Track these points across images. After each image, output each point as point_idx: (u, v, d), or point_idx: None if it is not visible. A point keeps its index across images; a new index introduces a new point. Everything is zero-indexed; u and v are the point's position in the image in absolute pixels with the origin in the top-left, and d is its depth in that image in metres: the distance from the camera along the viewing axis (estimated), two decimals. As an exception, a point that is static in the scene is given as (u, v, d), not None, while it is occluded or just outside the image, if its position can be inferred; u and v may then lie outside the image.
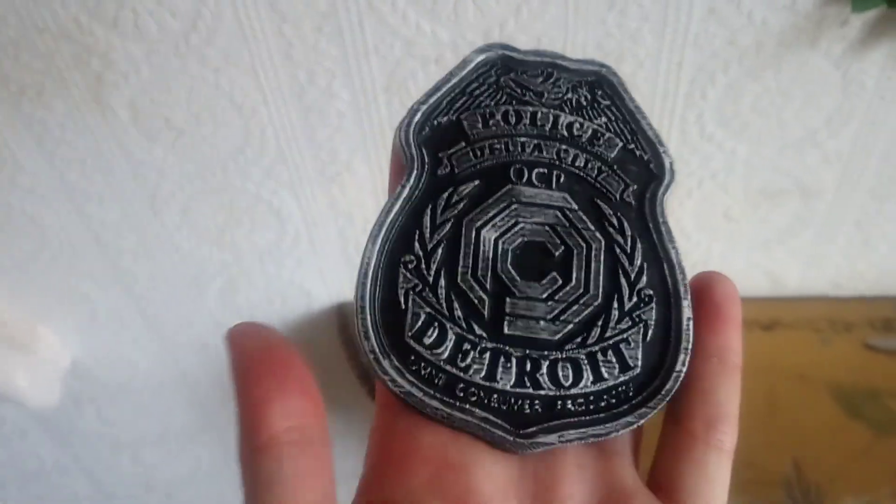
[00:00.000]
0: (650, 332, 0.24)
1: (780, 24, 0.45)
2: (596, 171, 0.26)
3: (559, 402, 0.23)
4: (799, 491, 0.55)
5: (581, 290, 0.24)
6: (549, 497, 0.23)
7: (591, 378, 0.23)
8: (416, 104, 0.26)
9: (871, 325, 0.61)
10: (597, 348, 0.24)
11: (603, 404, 0.23)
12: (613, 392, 0.23)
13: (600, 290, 0.24)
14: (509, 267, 0.24)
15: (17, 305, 0.70)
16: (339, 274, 0.66)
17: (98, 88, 0.52)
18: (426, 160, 0.25)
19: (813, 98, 0.49)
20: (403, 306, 0.23)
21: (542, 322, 0.24)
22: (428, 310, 0.23)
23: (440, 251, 0.24)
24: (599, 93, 0.27)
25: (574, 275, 0.24)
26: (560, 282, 0.24)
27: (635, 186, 0.26)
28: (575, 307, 0.24)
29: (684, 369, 0.23)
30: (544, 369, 0.23)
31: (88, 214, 0.61)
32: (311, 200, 0.60)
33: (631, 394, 0.23)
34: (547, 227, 0.25)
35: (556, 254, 0.25)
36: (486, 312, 0.24)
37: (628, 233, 0.25)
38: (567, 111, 0.26)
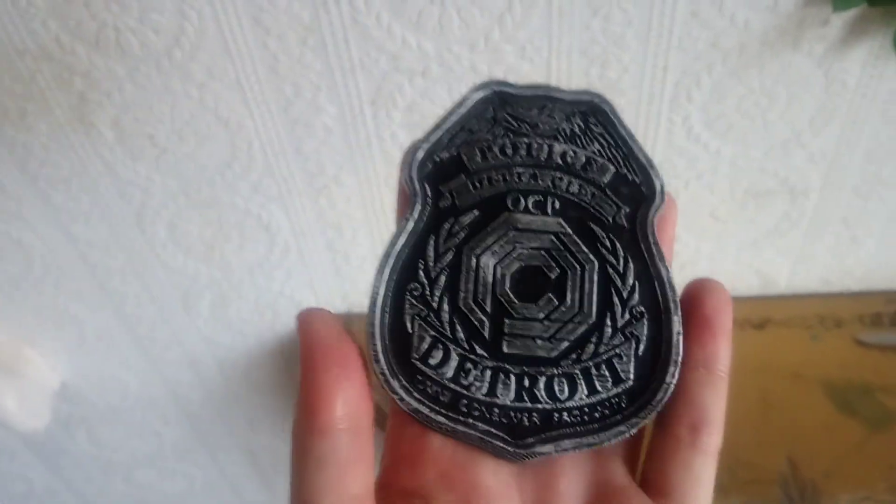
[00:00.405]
0: (642, 346, 0.26)
1: (763, 25, 0.46)
2: (590, 196, 0.27)
3: (555, 415, 0.25)
4: (795, 488, 0.55)
5: (575, 310, 0.26)
6: (548, 493, 0.25)
7: (585, 391, 0.25)
8: (419, 142, 0.27)
9: (861, 320, 0.61)
10: (591, 363, 0.25)
11: (597, 415, 0.25)
12: (607, 404, 0.25)
13: (594, 308, 0.26)
14: (507, 290, 0.26)
15: (4, 328, 0.70)
16: (329, 285, 0.66)
17: (82, 108, 0.52)
18: (428, 194, 0.27)
19: (796, 98, 0.49)
20: (410, 331, 0.25)
21: (538, 340, 0.26)
22: (433, 333, 0.25)
23: (443, 278, 0.26)
24: (592, 121, 0.28)
25: (568, 295, 0.26)
26: (556, 302, 0.26)
27: (627, 209, 0.27)
28: (570, 325, 0.26)
29: (674, 381, 0.25)
30: (541, 384, 0.25)
31: (75, 235, 0.61)
32: (300, 213, 0.59)
33: (623, 405, 0.25)
34: (543, 252, 0.26)
35: (552, 276, 0.26)
36: (486, 333, 0.26)
37: (621, 253, 0.26)
38: (561, 140, 0.28)
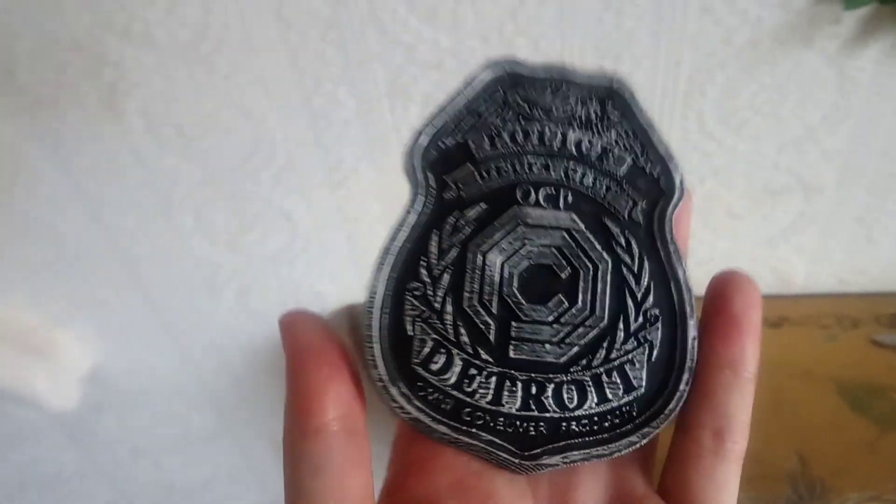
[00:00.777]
0: (655, 352, 0.24)
1: (775, 22, 0.46)
2: (604, 190, 0.25)
3: (564, 424, 0.24)
4: (804, 486, 0.55)
5: (587, 312, 0.25)
6: (564, 502, 0.24)
7: (595, 399, 0.24)
8: (422, 126, 0.26)
9: (878, 321, 0.61)
10: (602, 370, 0.24)
11: (607, 425, 0.24)
12: (618, 412, 0.24)
13: (606, 311, 0.25)
14: (515, 290, 0.24)
15: (37, 311, 0.72)
16: (349, 276, 0.67)
17: (111, 98, 0.54)
18: (432, 185, 0.25)
19: (809, 95, 0.50)
20: (410, 334, 0.24)
21: (547, 345, 0.24)
22: (434, 336, 0.24)
23: (446, 277, 0.24)
24: (610, 106, 0.26)
25: (580, 297, 0.25)
26: (566, 304, 0.25)
27: (644, 204, 0.25)
28: (580, 329, 0.24)
29: (688, 389, 0.24)
30: (549, 392, 0.24)
31: (105, 222, 0.63)
32: (320, 205, 0.61)
33: (635, 414, 0.24)
34: (553, 249, 0.25)
35: (563, 275, 0.25)
36: (491, 337, 0.24)
37: (636, 252, 0.25)
38: (576, 127, 0.26)
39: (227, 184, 0.60)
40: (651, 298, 0.25)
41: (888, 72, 0.49)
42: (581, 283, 0.25)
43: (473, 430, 0.23)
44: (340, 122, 0.54)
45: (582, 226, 0.25)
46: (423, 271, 0.24)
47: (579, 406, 0.24)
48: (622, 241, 0.25)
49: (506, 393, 0.24)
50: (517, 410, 0.24)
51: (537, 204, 0.25)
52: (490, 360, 0.24)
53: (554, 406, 0.24)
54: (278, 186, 0.60)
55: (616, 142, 0.26)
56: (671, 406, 0.24)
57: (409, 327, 0.24)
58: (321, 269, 0.67)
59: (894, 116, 0.51)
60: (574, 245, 0.25)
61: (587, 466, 0.24)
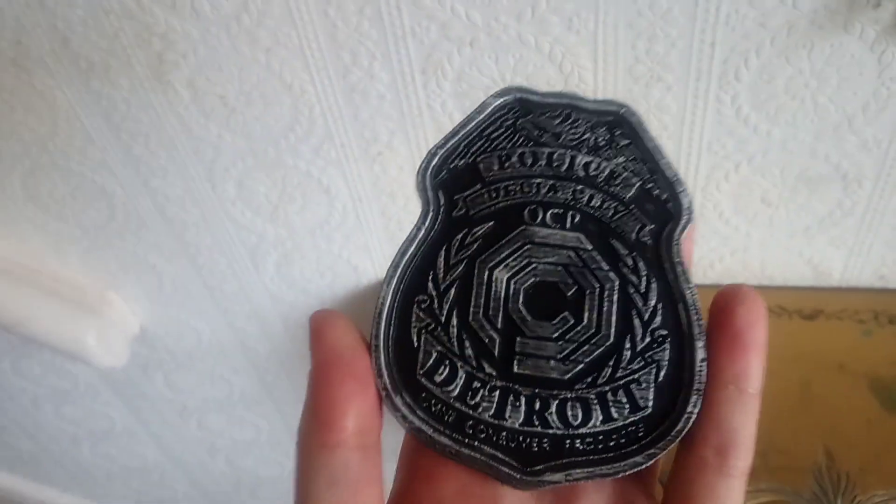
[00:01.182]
0: (662, 372, 0.24)
1: (812, 5, 0.45)
2: (612, 211, 0.26)
3: (567, 441, 0.24)
4: (829, 480, 0.54)
5: (593, 330, 0.25)
6: None
7: (600, 418, 0.24)
8: (434, 148, 0.26)
9: (918, 318, 0.60)
10: (607, 388, 0.24)
11: (612, 444, 0.24)
12: (623, 432, 0.24)
13: (612, 329, 0.25)
14: (520, 306, 0.25)
15: (90, 271, 0.76)
16: (384, 251, 0.68)
17: (159, 67, 0.56)
18: (442, 203, 0.26)
19: (848, 82, 0.49)
20: (416, 344, 0.24)
21: (552, 361, 0.24)
22: (439, 348, 0.24)
23: (453, 291, 0.25)
24: (618, 132, 0.27)
25: (586, 314, 0.25)
26: (571, 321, 0.25)
27: (652, 226, 0.26)
28: (586, 347, 0.24)
29: (696, 411, 0.24)
30: (553, 408, 0.24)
31: (153, 187, 0.66)
32: (357, 179, 0.62)
33: (640, 434, 0.24)
34: (560, 268, 0.25)
35: (569, 294, 0.25)
36: (496, 351, 0.24)
37: (643, 273, 0.25)
38: (584, 151, 0.27)
39: (269, 154, 0.62)
40: (658, 319, 0.25)
41: (932, 59, 0.47)
42: (587, 302, 0.25)
43: (476, 444, 0.24)
44: (375, 97, 0.55)
45: (589, 245, 0.25)
46: (431, 284, 0.25)
47: (583, 424, 0.24)
48: (629, 261, 0.25)
49: (509, 407, 0.24)
50: (520, 425, 0.24)
51: (545, 223, 0.25)
52: (494, 373, 0.24)
53: (557, 422, 0.24)
54: (317, 159, 0.61)
55: (624, 166, 0.26)
56: (678, 428, 0.24)
57: (414, 338, 0.24)
58: (357, 243, 0.68)
59: (937, 105, 0.49)
60: (580, 264, 0.25)
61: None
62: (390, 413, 0.24)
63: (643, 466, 0.24)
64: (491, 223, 0.25)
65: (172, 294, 0.77)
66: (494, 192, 0.26)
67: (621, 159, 0.27)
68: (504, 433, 0.24)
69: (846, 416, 0.57)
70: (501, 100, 0.27)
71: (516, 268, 0.25)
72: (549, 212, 0.25)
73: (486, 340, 0.24)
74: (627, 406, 0.24)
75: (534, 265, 0.25)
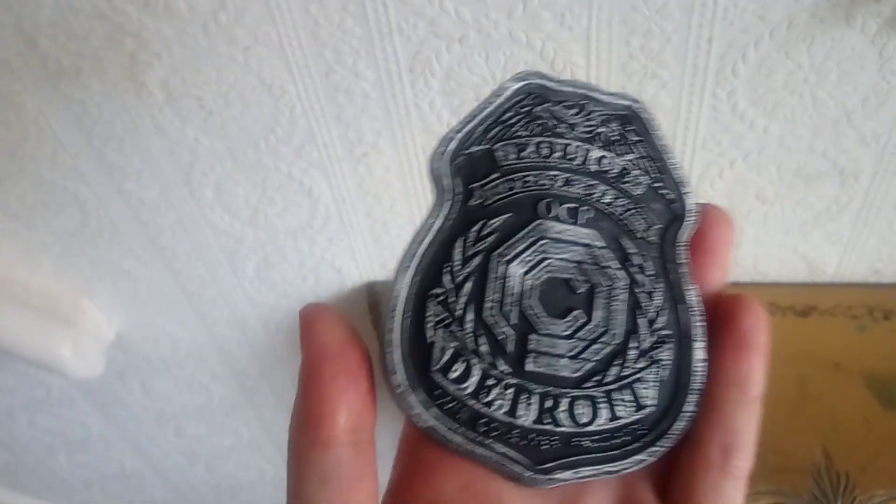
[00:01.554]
0: (665, 372, 0.25)
1: (813, -1, 0.44)
2: (622, 209, 0.26)
3: (575, 440, 0.24)
4: (828, 480, 0.54)
5: (602, 329, 0.25)
6: None
7: (607, 416, 0.24)
8: (451, 132, 0.26)
9: (912, 312, 0.59)
10: (614, 387, 0.24)
11: (617, 442, 0.24)
12: (627, 430, 0.24)
13: (620, 328, 0.25)
14: (534, 303, 0.25)
15: (62, 279, 0.73)
16: (369, 253, 0.66)
17: (133, 68, 0.54)
18: (458, 191, 0.25)
19: (848, 76, 0.47)
20: (431, 340, 0.24)
21: (563, 359, 0.24)
22: (455, 344, 0.24)
23: (468, 285, 0.24)
24: (630, 128, 0.27)
25: (596, 313, 0.25)
26: (582, 320, 0.25)
27: (658, 225, 0.26)
28: (595, 345, 0.24)
29: (695, 410, 0.24)
30: (563, 407, 0.24)
31: (127, 192, 0.63)
32: (341, 180, 0.60)
33: (643, 432, 0.24)
34: (573, 264, 0.25)
35: (580, 291, 0.25)
36: (509, 348, 0.24)
37: (649, 272, 0.25)
38: (598, 145, 0.27)
39: (248, 157, 0.59)
40: (662, 319, 0.25)
41: (933, 53, 0.46)
42: (597, 300, 0.25)
43: (488, 442, 0.23)
44: (360, 96, 0.53)
45: (600, 243, 0.25)
46: (447, 277, 0.24)
47: (592, 422, 0.24)
48: (637, 260, 0.25)
49: (521, 405, 0.24)
50: (531, 424, 0.24)
51: (559, 218, 0.25)
52: (508, 371, 0.24)
53: (567, 421, 0.24)
54: (299, 161, 0.59)
55: (634, 163, 0.27)
56: (679, 426, 0.24)
57: (429, 333, 0.24)
58: (341, 246, 0.66)
59: (938, 100, 0.49)
60: (592, 261, 0.25)
61: None
62: (404, 410, 0.23)
63: (646, 464, 0.24)
64: (507, 215, 0.25)
65: (148, 300, 0.75)
66: (511, 182, 0.25)
67: (632, 156, 0.27)
68: (516, 431, 0.24)
69: (843, 414, 0.57)
70: (520, 84, 0.27)
71: (531, 263, 0.25)
72: (564, 206, 0.25)
73: (501, 337, 0.24)
74: (632, 404, 0.24)
75: (548, 261, 0.25)
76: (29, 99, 0.56)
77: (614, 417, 0.24)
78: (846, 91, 0.48)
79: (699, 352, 0.25)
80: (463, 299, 0.24)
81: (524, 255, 0.25)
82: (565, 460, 0.23)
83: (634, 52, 0.48)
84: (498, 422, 0.23)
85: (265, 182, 0.61)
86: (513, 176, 0.26)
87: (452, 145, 0.26)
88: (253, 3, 0.49)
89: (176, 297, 0.74)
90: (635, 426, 0.24)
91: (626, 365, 0.24)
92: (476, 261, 0.24)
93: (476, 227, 0.25)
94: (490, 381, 0.24)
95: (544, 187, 0.25)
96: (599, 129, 0.27)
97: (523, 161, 0.26)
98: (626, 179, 0.26)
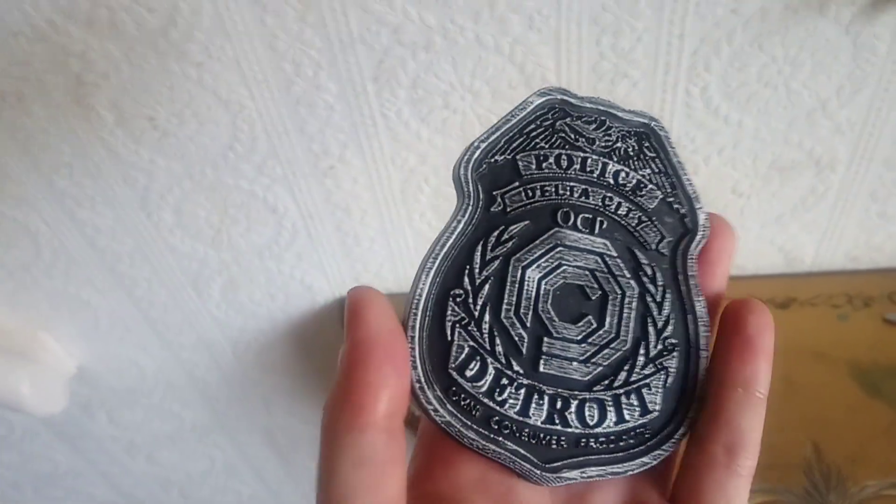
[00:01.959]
0: (670, 379, 0.25)
1: (785, -10, 0.43)
2: (636, 221, 0.27)
3: (583, 440, 0.25)
4: (819, 474, 0.53)
5: (612, 335, 0.26)
6: None
7: (614, 419, 0.25)
8: (477, 141, 0.27)
9: (891, 298, 0.59)
10: (622, 391, 0.25)
11: (622, 444, 0.25)
12: (633, 433, 0.25)
13: (630, 335, 0.26)
14: (549, 307, 0.25)
15: (18, 314, 0.70)
16: (340, 268, 0.64)
17: (78, 90, 0.51)
18: (481, 197, 0.26)
19: (822, 66, 0.47)
20: (449, 339, 0.25)
21: (574, 363, 0.25)
22: (472, 343, 0.25)
23: (487, 287, 0.25)
24: (646, 144, 0.28)
25: (608, 320, 0.26)
26: (594, 325, 0.26)
27: (670, 238, 0.27)
28: (606, 351, 0.25)
29: (696, 416, 0.25)
30: (573, 408, 0.25)
31: (81, 219, 0.60)
32: (307, 195, 0.58)
33: (648, 436, 0.25)
34: (587, 272, 0.26)
35: (593, 298, 0.26)
36: (524, 350, 0.25)
37: (660, 283, 0.26)
38: (615, 159, 0.28)
39: (208, 176, 0.57)
40: (670, 328, 0.26)
41: (906, 39, 0.46)
42: (609, 307, 0.26)
43: (500, 439, 0.24)
44: (323, 108, 0.51)
45: (614, 252, 0.26)
46: (467, 279, 0.25)
47: (599, 424, 0.25)
48: (649, 271, 0.26)
49: (533, 405, 0.25)
50: (542, 423, 0.25)
51: (575, 227, 0.26)
52: (521, 371, 0.25)
53: (576, 422, 0.25)
54: (262, 177, 0.57)
55: (649, 178, 0.28)
56: (681, 431, 0.25)
57: (448, 332, 0.25)
58: (310, 262, 0.64)
59: (912, 87, 0.48)
60: (606, 270, 0.26)
61: None
62: (420, 405, 0.24)
63: (650, 466, 0.25)
64: (526, 222, 0.26)
65: (110, 330, 0.72)
66: (531, 190, 0.27)
67: (647, 171, 0.28)
68: (527, 430, 0.24)
69: (829, 405, 0.56)
70: (543, 99, 0.28)
71: (548, 268, 0.26)
72: (580, 216, 0.26)
73: (516, 338, 0.25)
74: (638, 409, 0.25)
75: (563, 267, 0.26)
76: (-31, 128, 0.53)
77: (621, 421, 0.25)
78: (820, 81, 0.48)
79: (703, 361, 0.26)
80: (481, 301, 0.25)
81: (541, 261, 0.26)
82: (573, 460, 0.24)
83: (605, 51, 0.47)
84: (510, 420, 0.24)
85: (226, 201, 0.59)
86: (533, 185, 0.27)
87: (477, 154, 0.27)
88: (204, 18, 0.46)
89: (138, 324, 0.71)
90: (641, 430, 0.25)
91: (635, 371, 0.25)
92: (495, 264, 0.26)
93: (496, 233, 0.26)
94: (504, 381, 0.25)
95: (562, 197, 0.27)
96: (617, 145, 0.28)
97: (543, 171, 0.27)
98: (640, 193, 0.27)
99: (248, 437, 0.90)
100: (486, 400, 0.24)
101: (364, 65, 0.48)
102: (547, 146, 0.27)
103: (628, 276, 0.26)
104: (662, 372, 0.25)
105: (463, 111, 0.51)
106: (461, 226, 0.26)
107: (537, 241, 0.26)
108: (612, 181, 0.27)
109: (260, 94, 0.51)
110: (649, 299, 0.26)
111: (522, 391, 0.25)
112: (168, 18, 0.47)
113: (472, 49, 0.47)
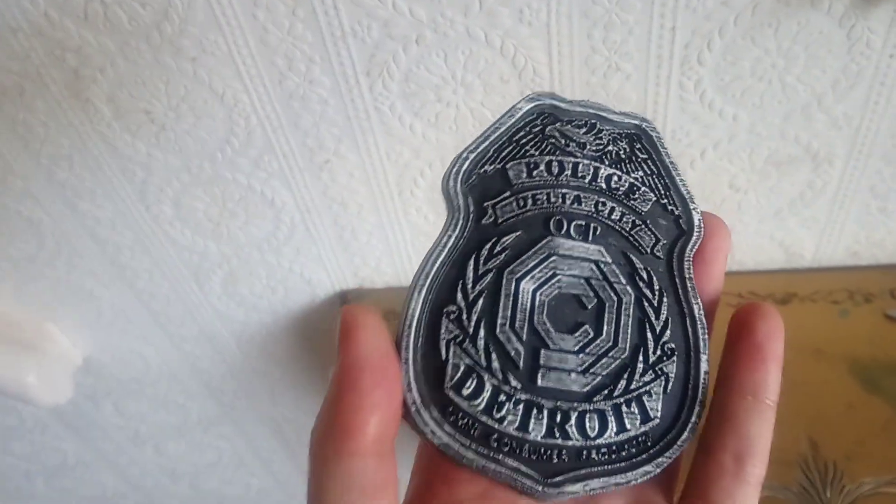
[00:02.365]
0: (671, 384, 0.25)
1: (777, -18, 0.43)
2: (630, 225, 0.26)
3: (585, 453, 0.24)
4: (816, 471, 0.53)
5: (610, 344, 0.25)
6: None
7: (615, 429, 0.24)
8: (465, 152, 0.27)
9: (892, 294, 0.58)
10: (622, 400, 0.25)
11: (624, 454, 0.24)
12: (634, 442, 0.24)
13: (628, 343, 0.25)
14: (545, 319, 0.25)
15: (23, 306, 0.71)
16: (338, 261, 0.65)
17: (76, 84, 0.51)
18: (471, 209, 0.26)
19: (816, 60, 0.46)
20: (444, 357, 0.24)
21: (573, 374, 0.25)
22: (467, 361, 0.24)
23: (481, 302, 0.25)
24: (638, 146, 0.28)
25: (605, 328, 0.25)
26: (591, 335, 0.25)
27: (665, 241, 0.26)
28: (604, 360, 0.25)
29: (700, 422, 0.25)
30: (573, 420, 0.24)
31: (82, 212, 0.61)
32: (304, 189, 0.58)
33: (649, 444, 0.25)
34: (582, 280, 0.25)
35: (589, 307, 0.25)
36: (521, 364, 0.24)
37: (656, 287, 0.26)
38: (607, 163, 0.27)
39: (205, 170, 0.57)
40: (668, 332, 0.25)
41: (902, 32, 0.45)
42: (606, 315, 0.25)
43: (500, 457, 0.24)
44: (317, 103, 0.51)
45: (609, 259, 0.26)
46: (460, 295, 0.25)
47: (600, 435, 0.24)
48: (644, 275, 0.26)
49: (532, 420, 0.24)
50: (542, 438, 0.24)
51: (569, 235, 0.26)
52: (518, 386, 0.24)
53: (577, 434, 0.24)
54: (258, 171, 0.57)
55: (642, 180, 0.27)
56: (684, 437, 0.25)
57: (443, 351, 0.24)
58: (309, 255, 0.64)
59: (909, 80, 0.47)
60: (601, 277, 0.26)
61: None
62: (417, 427, 0.24)
63: (653, 475, 0.24)
64: (519, 232, 0.26)
65: (114, 321, 0.73)
66: (522, 200, 0.26)
67: (640, 173, 0.27)
68: (527, 446, 0.24)
69: (827, 402, 0.56)
70: (532, 105, 0.28)
71: (542, 279, 0.25)
72: (573, 223, 0.26)
73: (513, 353, 0.24)
74: (639, 417, 0.25)
75: (558, 277, 0.25)
76: (-30, 122, 0.54)
77: (622, 430, 0.24)
78: (815, 75, 0.47)
79: (703, 364, 0.25)
80: (475, 316, 0.24)
81: (535, 272, 0.25)
82: (575, 473, 0.24)
83: (597, 45, 0.47)
84: (509, 437, 0.24)
85: (224, 195, 0.59)
86: (524, 194, 0.26)
87: (466, 165, 0.26)
88: (197, 12, 0.47)
89: (141, 316, 0.72)
90: (642, 438, 0.24)
91: (634, 378, 0.25)
92: (488, 278, 0.25)
93: (488, 245, 0.25)
94: (502, 397, 0.24)
95: (555, 205, 0.26)
96: (609, 148, 0.27)
97: (534, 179, 0.26)
98: (634, 196, 0.27)
99: (255, 429, 0.90)
100: (484, 418, 0.24)
101: (356, 59, 0.48)
102: (537, 153, 0.27)
103: (624, 281, 0.26)
104: (662, 378, 0.25)
105: (456, 105, 0.51)
106: (452, 240, 0.25)
107: (531, 252, 0.25)
108: (604, 185, 0.27)
109: (254, 88, 0.51)
110: (646, 304, 0.26)
111: (521, 406, 0.24)
112: (161, 13, 0.47)
113: (462, 42, 0.47)
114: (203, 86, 0.51)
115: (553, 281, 0.25)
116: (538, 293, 0.25)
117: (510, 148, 0.27)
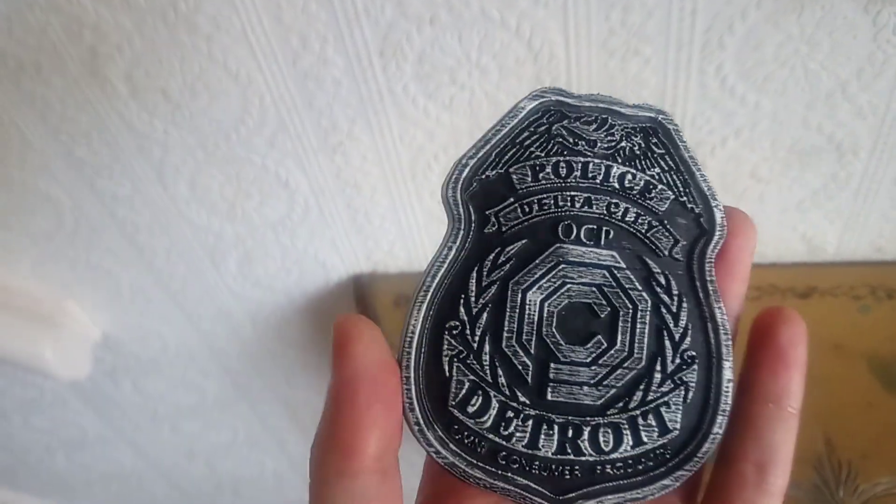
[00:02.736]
0: (691, 394, 0.24)
1: (801, -36, 0.41)
2: (646, 227, 0.25)
3: (599, 468, 0.23)
4: (830, 469, 0.52)
5: (625, 354, 0.24)
6: None
7: (630, 442, 0.24)
8: (465, 158, 0.25)
9: (917, 291, 0.57)
10: (638, 412, 0.24)
11: (641, 467, 0.23)
12: (652, 455, 0.24)
13: (644, 352, 0.24)
14: (554, 330, 0.24)
15: (42, 281, 0.71)
16: (352, 244, 0.64)
17: (93, 61, 0.51)
18: (473, 218, 0.25)
19: (841, 46, 0.45)
20: (448, 374, 0.23)
21: (585, 387, 0.24)
22: (472, 377, 0.23)
23: (485, 315, 0.24)
24: (654, 141, 0.26)
25: (619, 338, 0.24)
26: (605, 345, 0.24)
27: (684, 242, 0.25)
28: (619, 371, 0.24)
29: (721, 432, 0.24)
30: (586, 435, 0.23)
31: (100, 189, 0.61)
32: (317, 170, 0.58)
33: (668, 456, 0.24)
34: (594, 289, 0.24)
35: (602, 315, 0.24)
36: (529, 379, 0.24)
37: (675, 292, 0.24)
38: (619, 161, 0.26)
39: (220, 149, 0.57)
40: (688, 340, 0.24)
41: (931, 18, 0.43)
42: (620, 324, 0.24)
43: (509, 475, 0.23)
44: (331, 83, 0.51)
45: (623, 264, 0.24)
46: (462, 309, 0.24)
47: (615, 449, 0.23)
48: (662, 280, 0.25)
49: (542, 436, 0.23)
50: (553, 454, 0.23)
51: (579, 241, 0.24)
52: (527, 402, 0.23)
53: (590, 449, 0.23)
54: (273, 151, 0.57)
55: (659, 178, 0.26)
56: (704, 449, 0.24)
57: (446, 368, 0.23)
58: (323, 238, 0.64)
59: (937, 68, 0.46)
60: (614, 284, 0.24)
61: None
62: (422, 446, 0.23)
63: (672, 488, 0.24)
64: (524, 241, 0.24)
65: (132, 300, 0.73)
66: (528, 206, 0.25)
67: (656, 170, 0.26)
68: (537, 462, 0.23)
69: (845, 399, 0.54)
70: (536, 103, 0.26)
71: (550, 289, 0.24)
72: (584, 227, 0.24)
73: (520, 367, 0.24)
74: (657, 429, 0.24)
75: (567, 286, 0.24)
76: (-10, 97, 0.54)
77: (638, 443, 0.24)
78: (839, 62, 0.46)
79: (727, 372, 0.24)
80: (479, 331, 0.24)
81: (542, 282, 0.24)
82: (589, 489, 0.23)
83: (615, 27, 0.46)
84: (518, 454, 0.23)
85: (239, 175, 0.59)
86: (529, 199, 0.25)
87: (466, 172, 0.25)
88: (212, -11, 0.47)
89: (159, 295, 0.72)
90: (660, 451, 0.24)
91: (651, 389, 0.24)
92: (492, 290, 0.24)
93: (492, 256, 0.24)
94: (509, 414, 0.23)
95: (563, 209, 0.25)
96: (621, 144, 0.26)
97: (540, 183, 0.25)
98: (650, 195, 0.25)
99: (270, 409, 0.91)
100: (490, 435, 0.23)
101: (370, 39, 0.48)
102: (543, 154, 0.25)
103: (640, 287, 0.24)
104: (682, 387, 0.24)
105: (471, 88, 0.50)
106: (453, 252, 0.24)
107: (537, 261, 0.24)
108: (617, 185, 0.25)
109: (268, 67, 0.51)
110: (664, 310, 0.24)
111: (530, 422, 0.23)
112: (176, -10, 0.47)
113: (477, 23, 0.46)
114: (218, 64, 0.51)
115: (562, 290, 0.24)
116: (546, 304, 0.24)
117: (513, 150, 0.26)
